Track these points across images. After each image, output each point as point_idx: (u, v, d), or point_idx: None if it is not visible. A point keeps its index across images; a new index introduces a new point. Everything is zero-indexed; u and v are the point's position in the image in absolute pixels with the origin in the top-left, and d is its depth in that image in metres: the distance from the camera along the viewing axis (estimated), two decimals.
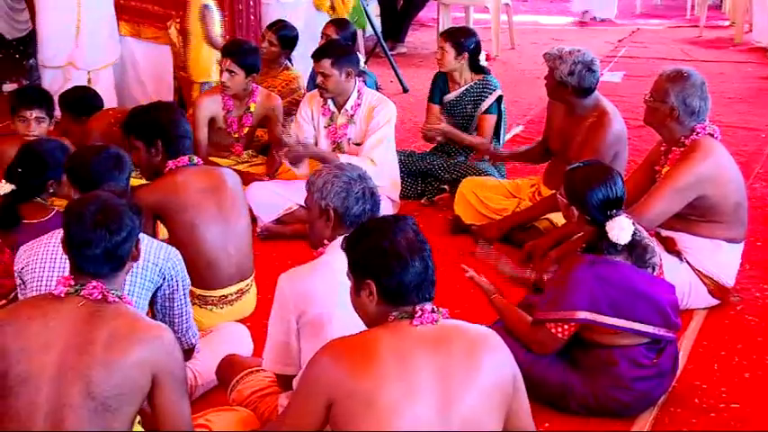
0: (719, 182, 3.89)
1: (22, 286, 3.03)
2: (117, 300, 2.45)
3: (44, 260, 2.99)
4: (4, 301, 3.53)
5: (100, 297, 2.41)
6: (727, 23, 8.75)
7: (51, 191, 3.72)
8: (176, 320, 3.21)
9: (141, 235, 2.61)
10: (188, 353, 3.25)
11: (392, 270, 2.29)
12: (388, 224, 2.42)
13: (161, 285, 3.13)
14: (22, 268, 3.02)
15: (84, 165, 3.24)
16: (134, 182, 4.37)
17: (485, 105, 5.23)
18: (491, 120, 5.25)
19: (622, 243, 3.22)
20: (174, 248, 3.23)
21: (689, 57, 7.99)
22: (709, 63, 7.90)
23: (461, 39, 5.28)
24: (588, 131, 4.45)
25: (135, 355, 2.35)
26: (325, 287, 2.56)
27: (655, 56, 8.29)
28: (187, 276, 3.26)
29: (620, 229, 3.20)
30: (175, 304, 3.20)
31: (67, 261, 2.52)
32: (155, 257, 3.08)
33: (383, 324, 2.30)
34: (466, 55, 5.25)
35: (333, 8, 6.67)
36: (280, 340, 2.85)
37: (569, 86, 4.45)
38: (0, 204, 3.64)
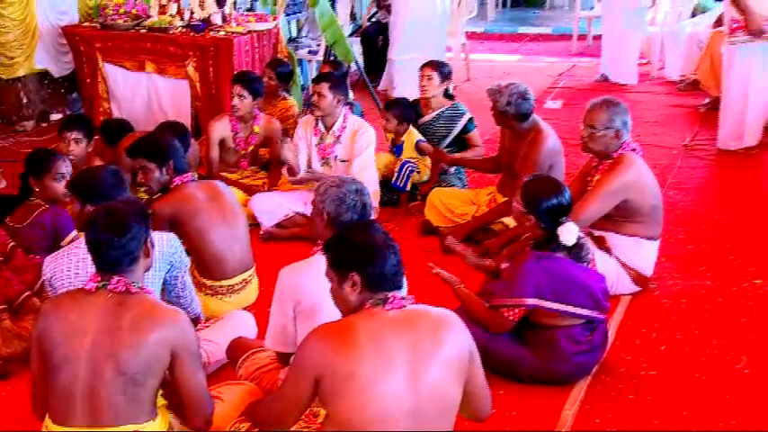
0: (640, 188, 3.89)
1: (53, 292, 3.00)
2: (138, 290, 2.45)
3: (68, 268, 2.98)
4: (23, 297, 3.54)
5: (124, 289, 2.42)
6: (644, 61, 8.75)
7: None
8: (182, 294, 3.24)
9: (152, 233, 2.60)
10: (194, 322, 3.22)
11: (375, 261, 2.28)
12: (363, 226, 2.44)
13: (169, 270, 3.15)
14: (51, 277, 3.00)
15: (90, 182, 3.20)
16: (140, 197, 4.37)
17: (459, 127, 5.20)
18: (475, 133, 5.26)
19: (570, 245, 3.21)
20: (173, 235, 3.26)
21: (614, 88, 7.98)
22: (630, 93, 7.90)
23: (444, 68, 5.28)
24: (528, 147, 4.46)
25: (156, 336, 2.37)
26: (318, 280, 2.53)
27: (587, 87, 8.29)
28: (186, 257, 3.29)
29: (569, 233, 3.22)
30: (179, 282, 3.22)
31: (87, 265, 2.58)
32: (162, 249, 3.08)
33: (360, 311, 2.27)
34: (448, 81, 5.25)
35: None
36: (279, 324, 2.84)
37: (510, 114, 4.46)
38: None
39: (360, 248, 2.32)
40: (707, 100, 7.36)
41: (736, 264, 4.39)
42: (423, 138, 5.17)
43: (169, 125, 4.63)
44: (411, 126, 5.21)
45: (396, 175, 5.12)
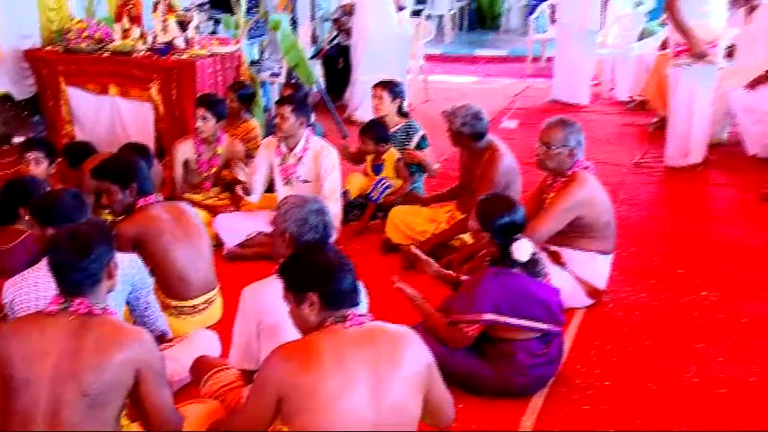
0: (593, 205, 3.94)
1: (13, 315, 2.93)
2: (101, 312, 2.40)
3: (29, 291, 2.92)
4: None
5: (86, 311, 2.37)
6: (596, 82, 8.89)
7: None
8: (146, 314, 3.21)
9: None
10: (160, 338, 3.19)
11: (331, 280, 2.28)
12: (316, 247, 2.46)
13: (131, 291, 3.11)
14: (12, 300, 2.93)
15: (51, 205, 3.15)
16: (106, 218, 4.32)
17: (413, 144, 5.24)
18: (427, 152, 5.28)
19: (524, 261, 3.23)
20: (135, 256, 3.22)
21: (567, 108, 8.09)
22: (583, 113, 8.01)
23: (394, 87, 5.37)
24: (485, 166, 4.50)
25: (120, 357, 2.32)
26: (280, 298, 2.52)
27: (541, 107, 8.39)
28: (149, 278, 3.25)
29: (522, 250, 3.24)
30: (141, 302, 3.18)
31: (50, 288, 2.50)
32: (124, 270, 3.00)
33: (321, 329, 2.27)
34: (399, 100, 5.31)
35: None
36: (243, 342, 2.82)
37: (465, 134, 4.50)
38: None
39: (315, 269, 2.31)
40: (655, 119, 7.49)
41: (684, 276, 4.46)
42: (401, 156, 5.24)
43: (131, 147, 4.59)
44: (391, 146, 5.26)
45: (373, 187, 5.19)
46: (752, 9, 6.76)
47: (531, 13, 11.97)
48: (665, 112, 6.72)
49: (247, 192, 4.82)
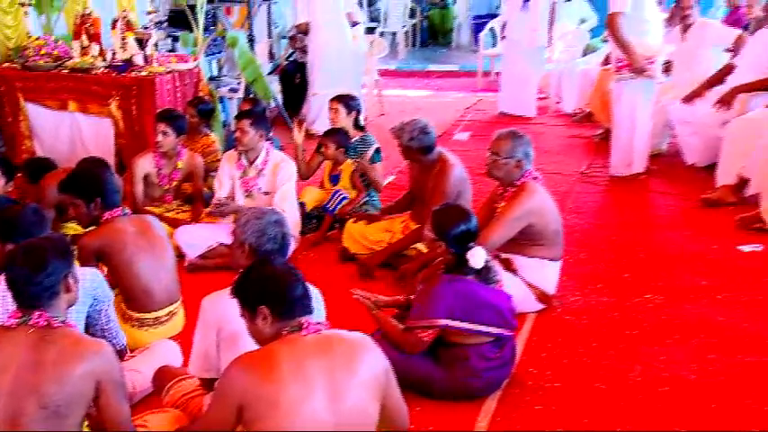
0: (542, 214, 3.98)
1: None
2: (61, 325, 2.36)
3: None
4: None
5: (45, 324, 2.33)
6: (543, 96, 9.01)
7: None
8: (106, 327, 3.15)
9: (75, 266, 2.53)
10: (119, 354, 3.14)
11: (279, 290, 2.29)
12: (262, 262, 2.48)
13: (92, 304, 3.06)
14: None
15: (10, 221, 3.10)
16: (81, 229, 4.26)
17: (367, 156, 5.26)
18: (379, 166, 5.30)
19: (478, 268, 3.26)
20: (96, 270, 3.19)
21: (516, 121, 8.18)
22: (531, 125, 8.11)
23: (350, 101, 5.41)
24: (436, 178, 4.53)
25: (81, 369, 2.28)
26: (237, 308, 2.50)
27: (492, 120, 8.48)
28: (109, 291, 3.19)
29: (478, 257, 3.27)
30: (102, 315, 3.13)
31: (7, 303, 2.49)
32: (85, 284, 2.97)
33: (279, 339, 2.27)
34: (354, 113, 5.35)
35: None
36: (203, 351, 2.80)
37: (414, 148, 4.54)
38: None
39: (262, 283, 2.32)
40: (599, 131, 7.60)
41: (630, 280, 4.52)
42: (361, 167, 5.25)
43: (89, 161, 4.52)
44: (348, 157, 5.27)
45: (329, 199, 5.19)
46: (687, 27, 6.92)
47: (478, 30, 12.16)
48: (608, 124, 6.83)
49: (222, 214, 4.74)
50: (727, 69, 6.31)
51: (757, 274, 4.55)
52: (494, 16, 12.67)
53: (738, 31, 6.78)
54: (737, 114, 5.93)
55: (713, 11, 9.88)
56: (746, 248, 4.91)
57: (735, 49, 6.52)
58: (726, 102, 6.02)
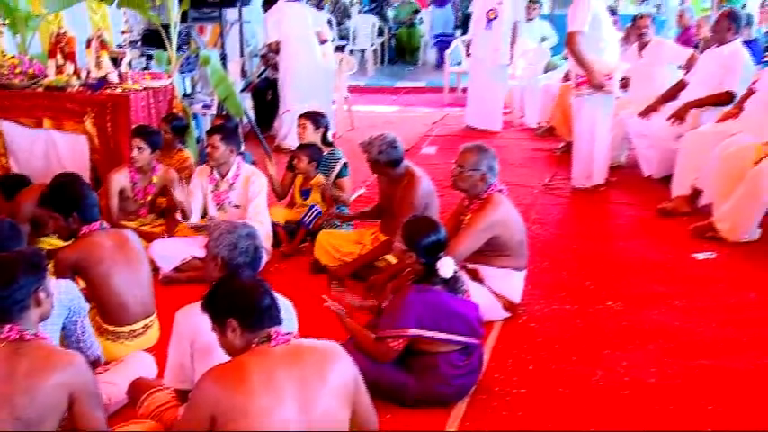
0: (507, 225, 4.00)
1: None
2: (33, 337, 2.34)
3: None
4: None
5: (17, 336, 2.30)
6: (507, 111, 9.09)
7: None
8: (82, 338, 3.11)
9: (51, 279, 2.50)
10: (94, 364, 3.11)
11: (246, 302, 2.28)
12: (230, 276, 2.47)
13: (67, 315, 3.02)
14: None
15: None
16: (57, 243, 4.21)
17: (335, 171, 5.27)
18: (346, 180, 5.33)
19: (447, 277, 3.27)
20: (71, 282, 3.14)
21: (482, 135, 8.23)
22: (496, 139, 8.18)
23: (317, 117, 5.46)
24: (404, 191, 4.55)
25: (53, 380, 2.26)
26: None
27: (458, 134, 8.53)
28: (84, 303, 3.14)
29: (447, 266, 3.27)
30: (78, 327, 3.08)
31: None
32: (60, 296, 2.95)
33: (249, 350, 2.26)
34: (322, 129, 5.37)
35: None
36: (177, 362, 2.78)
37: (382, 162, 4.55)
38: None
39: (230, 295, 2.32)
40: (561, 144, 7.68)
41: (591, 288, 4.56)
42: (328, 185, 5.27)
43: (64, 177, 4.46)
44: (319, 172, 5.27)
45: (305, 213, 5.19)
46: (643, 45, 7.05)
47: (441, 48, 12.29)
48: (569, 137, 6.90)
49: (186, 216, 4.77)
50: (680, 86, 6.43)
51: (711, 281, 4.62)
52: (453, 36, 12.89)
53: (691, 51, 6.93)
54: (690, 128, 6.04)
55: (666, 31, 10.09)
56: (701, 256, 4.98)
57: (687, 66, 6.65)
58: (679, 116, 6.13)
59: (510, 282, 4.09)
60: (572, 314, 4.23)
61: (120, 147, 5.57)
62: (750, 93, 5.78)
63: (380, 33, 13.64)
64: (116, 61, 5.86)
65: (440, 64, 13.01)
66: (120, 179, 5.04)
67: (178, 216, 4.88)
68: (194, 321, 2.71)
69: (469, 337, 3.31)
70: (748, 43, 6.61)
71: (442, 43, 13.07)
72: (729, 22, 6.05)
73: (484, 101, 8.59)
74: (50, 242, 4.56)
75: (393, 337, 3.23)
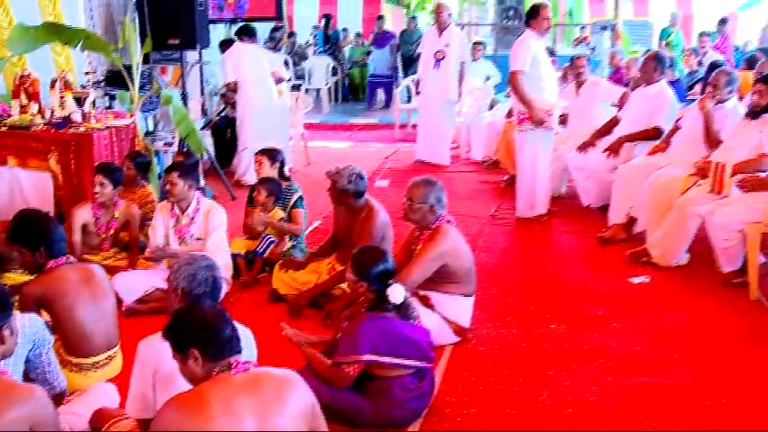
0: (456, 254, 4.04)
1: None
2: None
3: None
4: None
5: None
6: (455, 145, 9.20)
7: None
8: (47, 370, 3.02)
9: (16, 314, 2.44)
10: (59, 397, 3.03)
11: (208, 334, 2.25)
12: (192, 306, 2.44)
13: (31, 348, 2.95)
14: None
15: None
16: (19, 278, 4.12)
17: (291, 202, 5.28)
18: (300, 212, 5.31)
19: (399, 303, 3.28)
20: (35, 315, 3.08)
21: (431, 168, 8.31)
22: (445, 172, 8.26)
23: (273, 154, 5.49)
24: (363, 222, 4.55)
25: (12, 414, 2.20)
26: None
27: (409, 168, 8.59)
28: (49, 335, 3.07)
29: (397, 293, 3.29)
30: (43, 359, 3.00)
31: None
32: (25, 330, 2.89)
33: (209, 379, 2.23)
34: (278, 165, 5.43)
35: None
36: (139, 392, 2.73)
37: (350, 192, 4.54)
38: None
39: (191, 325, 2.29)
40: (506, 177, 7.78)
41: (536, 312, 4.61)
42: (285, 217, 5.26)
43: (28, 212, 4.36)
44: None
45: (259, 243, 5.18)
46: (580, 84, 7.24)
47: (373, 89, 12.64)
48: (513, 170, 7.00)
49: (158, 258, 4.73)
50: (614, 122, 6.60)
51: (646, 304, 4.71)
52: (390, 77, 13.07)
53: (623, 89, 7.13)
54: (624, 161, 6.20)
55: (600, 70, 10.38)
56: (636, 280, 5.08)
57: (620, 104, 6.85)
58: (614, 150, 6.30)
59: (459, 307, 4.11)
60: (518, 337, 4.27)
61: (83, 183, 5.50)
62: (676, 129, 5.97)
63: (334, 73, 13.74)
64: (80, 101, 5.80)
65: (371, 103, 13.16)
66: (82, 214, 4.98)
67: (147, 255, 4.83)
68: (156, 351, 2.68)
69: (421, 362, 3.32)
70: (673, 83, 6.85)
71: (379, 84, 13.23)
72: (656, 64, 6.26)
73: (433, 136, 8.69)
74: (13, 277, 4.46)
75: (348, 363, 3.22)
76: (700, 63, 9.27)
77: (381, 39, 13.24)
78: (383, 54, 13.28)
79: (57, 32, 6.00)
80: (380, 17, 13.66)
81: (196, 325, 2.29)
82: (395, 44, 13.33)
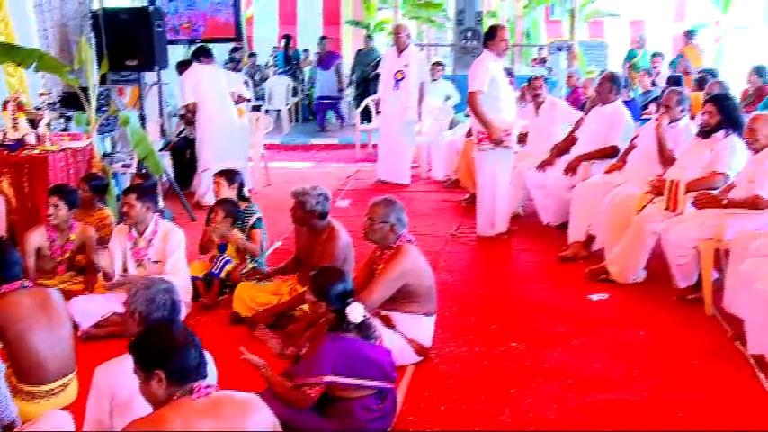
0: (417, 274, 4.05)
1: None
2: None
3: None
4: None
5: None
6: (416, 165, 9.26)
7: None
8: None
9: None
10: (10, 427, 2.95)
11: (176, 357, 2.22)
12: (163, 326, 2.38)
13: None
14: None
15: None
16: None
17: (249, 223, 5.27)
18: (259, 232, 5.29)
19: (357, 322, 3.28)
20: None
21: (392, 188, 8.35)
22: (406, 191, 8.31)
23: (232, 175, 5.50)
24: (325, 243, 4.54)
25: None
26: (131, 376, 2.42)
27: (370, 188, 8.62)
28: (1, 364, 3.02)
29: (356, 311, 3.29)
30: None
31: None
32: None
33: (169, 403, 2.21)
34: (236, 186, 5.42)
35: None
36: (96, 418, 2.71)
37: (316, 212, 4.54)
38: None
39: (160, 348, 2.26)
40: (466, 196, 7.85)
41: (497, 331, 4.64)
42: (244, 239, 5.22)
43: None
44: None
45: (214, 264, 5.16)
46: (539, 105, 7.36)
47: (318, 110, 12.78)
48: (474, 189, 7.07)
49: (108, 277, 4.67)
50: (571, 141, 6.72)
51: (604, 321, 4.78)
52: (338, 99, 13.15)
53: (581, 114, 7.22)
54: (582, 179, 6.30)
55: (557, 90, 10.58)
56: (595, 297, 5.15)
57: (576, 127, 6.96)
58: (572, 168, 6.41)
59: (420, 327, 4.12)
60: (480, 356, 4.29)
61: (37, 207, 5.42)
62: (632, 147, 6.10)
63: (294, 93, 13.76)
64: (34, 123, 5.72)
65: (322, 125, 13.15)
66: (36, 238, 4.91)
67: (100, 277, 4.75)
68: (114, 377, 2.65)
69: (383, 382, 3.32)
70: (627, 103, 7.01)
71: (327, 105, 13.25)
72: (611, 85, 6.41)
73: (393, 156, 8.74)
74: None
75: (309, 385, 3.21)
76: (654, 83, 9.51)
77: (326, 60, 13.18)
78: (329, 75, 13.23)
79: (9, 53, 5.92)
80: (323, 38, 13.52)
81: (165, 347, 2.26)
82: (339, 64, 13.33)
